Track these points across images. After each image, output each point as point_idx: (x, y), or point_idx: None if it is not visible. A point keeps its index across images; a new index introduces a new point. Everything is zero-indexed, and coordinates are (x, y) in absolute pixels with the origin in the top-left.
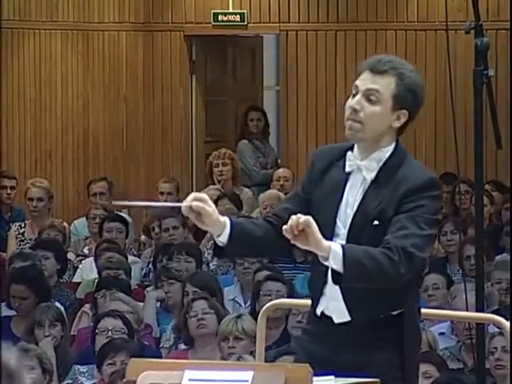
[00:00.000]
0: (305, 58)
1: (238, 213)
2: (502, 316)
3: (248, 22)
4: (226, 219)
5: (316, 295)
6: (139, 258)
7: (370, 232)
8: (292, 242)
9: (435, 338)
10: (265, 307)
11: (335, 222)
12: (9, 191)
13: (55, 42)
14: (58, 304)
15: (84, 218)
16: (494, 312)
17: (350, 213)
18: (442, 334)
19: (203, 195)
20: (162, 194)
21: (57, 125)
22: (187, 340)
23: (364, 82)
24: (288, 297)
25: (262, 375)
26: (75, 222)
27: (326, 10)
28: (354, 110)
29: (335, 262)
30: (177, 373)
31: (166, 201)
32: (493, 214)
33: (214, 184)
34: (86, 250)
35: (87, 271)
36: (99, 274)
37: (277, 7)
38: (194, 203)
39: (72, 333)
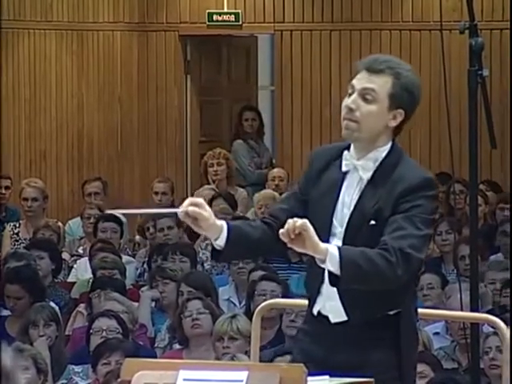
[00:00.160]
0: (299, 57)
1: (233, 213)
2: (496, 316)
3: (243, 22)
4: (222, 223)
5: (313, 295)
6: (134, 257)
7: (367, 232)
8: (289, 245)
9: (430, 338)
10: (259, 307)
11: (332, 222)
12: (3, 191)
13: (50, 42)
14: (52, 304)
15: (79, 218)
16: (488, 312)
17: (347, 212)
18: (436, 333)
19: (199, 200)
20: (156, 193)
21: (51, 125)
22: (182, 340)
23: (360, 81)
24: (283, 297)
25: (257, 375)
26: (70, 221)
27: (320, 9)
28: (350, 110)
29: (332, 265)
30: (171, 373)
31: (160, 201)
32: (487, 213)
33: (208, 184)
34: (80, 250)
35: (82, 271)
36: (94, 273)
37: (271, 7)
38: (190, 208)
39: (67, 333)
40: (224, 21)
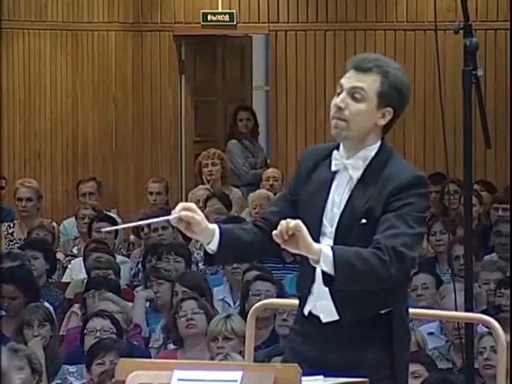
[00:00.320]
0: (294, 57)
1: (228, 213)
2: (491, 316)
3: (237, 22)
4: (214, 226)
5: (304, 294)
6: (128, 257)
7: (358, 231)
8: (282, 246)
9: (424, 338)
10: (254, 307)
11: (322, 222)
12: None
13: (44, 42)
14: (47, 304)
15: (73, 218)
16: (482, 312)
17: (337, 212)
18: (431, 333)
19: (191, 204)
20: (151, 193)
21: (46, 125)
22: (176, 340)
23: (349, 80)
24: (277, 297)
25: (251, 375)
26: (64, 222)
27: (315, 9)
28: (339, 108)
29: (326, 265)
30: (166, 373)
31: (155, 201)
32: (481, 213)
33: (203, 184)
34: (75, 250)
35: (76, 271)
36: (88, 274)
37: (266, 7)
38: (183, 213)
39: (61, 333)
40: (218, 21)
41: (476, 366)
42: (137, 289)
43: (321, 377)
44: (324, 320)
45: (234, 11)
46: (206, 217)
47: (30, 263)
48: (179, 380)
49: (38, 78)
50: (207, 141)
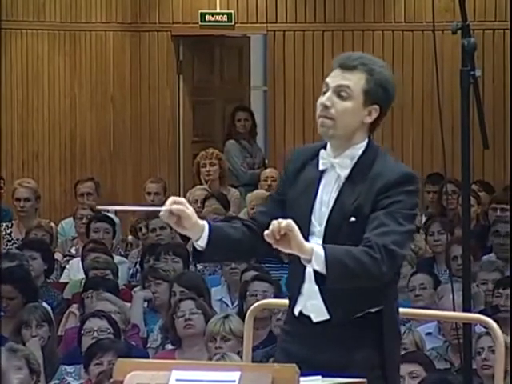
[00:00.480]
0: (292, 58)
1: (226, 213)
2: (489, 316)
3: (235, 22)
4: (204, 223)
5: (294, 295)
6: (126, 258)
7: (347, 229)
8: (274, 246)
9: (422, 338)
10: (252, 307)
11: (310, 221)
12: None
13: (42, 43)
14: (45, 304)
15: (71, 219)
16: (480, 312)
17: (326, 210)
18: (429, 334)
19: (181, 199)
20: (149, 194)
21: (44, 125)
22: (174, 340)
23: (334, 78)
24: (275, 297)
25: (249, 375)
26: (62, 222)
27: (313, 10)
28: (325, 107)
29: (318, 264)
30: (164, 373)
31: (153, 201)
32: (480, 214)
33: (201, 184)
34: (73, 251)
35: (74, 271)
36: (86, 274)
37: (264, 7)
38: (174, 206)
39: (59, 333)
40: (217, 21)
41: (474, 366)
42: (135, 289)
43: (319, 377)
44: (315, 320)
45: (232, 11)
46: (204, 217)
47: (28, 263)
48: (177, 380)
49: (35, 79)
50: (205, 141)
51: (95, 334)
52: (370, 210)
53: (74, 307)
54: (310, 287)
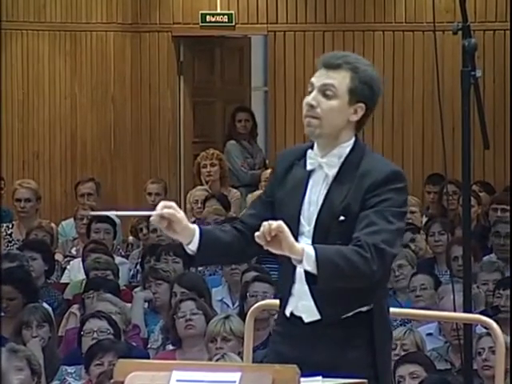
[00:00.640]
0: (293, 58)
1: (226, 214)
2: (489, 317)
3: (236, 23)
4: (195, 227)
5: (285, 296)
6: (127, 258)
7: (336, 228)
8: (265, 247)
9: (423, 339)
10: (252, 308)
11: (299, 221)
12: None
13: (43, 43)
14: (45, 305)
15: (72, 219)
16: (480, 313)
17: (314, 210)
18: (429, 334)
19: (171, 203)
20: (149, 194)
21: (44, 125)
22: (175, 341)
23: (319, 78)
24: (275, 298)
25: (250, 376)
26: (63, 222)
27: (313, 10)
28: (311, 106)
29: (309, 264)
30: (164, 373)
31: (153, 201)
32: (480, 214)
33: (201, 185)
34: (73, 251)
35: (75, 272)
36: (87, 274)
37: (264, 8)
38: (165, 210)
39: (60, 334)
40: (217, 22)
41: (474, 366)
42: (135, 289)
43: (319, 377)
44: (306, 320)
45: (233, 12)
46: (205, 218)
47: (29, 264)
48: (178, 381)
49: (36, 79)
50: (206, 141)
51: (95, 335)
52: (358, 208)
53: (74, 308)
54: (300, 288)
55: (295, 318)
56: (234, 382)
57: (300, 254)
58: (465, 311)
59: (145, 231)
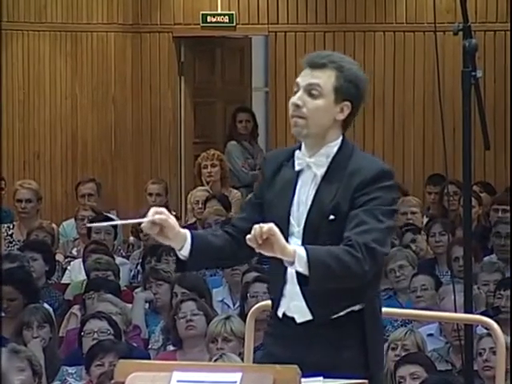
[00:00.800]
0: (293, 59)
1: (227, 214)
2: (490, 317)
3: (237, 24)
4: (186, 232)
5: (276, 297)
6: (128, 259)
7: (326, 227)
8: (257, 250)
9: (423, 340)
10: (253, 309)
11: (289, 221)
12: None
13: (43, 43)
14: (46, 305)
15: (72, 220)
16: (481, 313)
17: (304, 210)
18: (430, 335)
19: (162, 209)
20: (150, 195)
21: (45, 126)
22: (176, 341)
23: (304, 78)
24: None
25: (251, 376)
26: (64, 223)
27: (314, 11)
28: (297, 106)
29: (300, 266)
30: (165, 374)
31: (154, 202)
32: (481, 215)
33: (202, 185)
34: (74, 252)
35: (76, 273)
36: (87, 275)
37: (265, 8)
38: (157, 216)
39: (60, 334)
40: (218, 22)
41: (475, 367)
42: (136, 290)
43: (320, 378)
44: (298, 320)
45: (234, 12)
46: (206, 218)
47: (29, 264)
48: (178, 381)
49: (37, 79)
50: (206, 142)
51: (95, 336)
52: (348, 207)
53: (75, 308)
54: (291, 288)
55: (288, 319)
56: (235, 382)
57: (292, 255)
58: (465, 312)
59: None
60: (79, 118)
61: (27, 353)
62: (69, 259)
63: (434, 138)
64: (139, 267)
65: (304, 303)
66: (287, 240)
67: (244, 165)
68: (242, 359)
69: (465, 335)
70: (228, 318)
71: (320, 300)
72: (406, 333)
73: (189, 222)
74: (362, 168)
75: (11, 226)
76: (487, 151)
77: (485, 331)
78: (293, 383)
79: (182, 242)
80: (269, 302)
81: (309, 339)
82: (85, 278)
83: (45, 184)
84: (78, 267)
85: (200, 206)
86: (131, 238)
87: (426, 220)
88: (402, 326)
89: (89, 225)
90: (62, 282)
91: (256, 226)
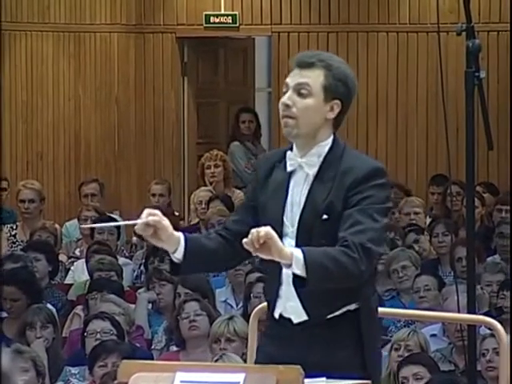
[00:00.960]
0: None
1: (230, 214)
2: (493, 318)
3: (240, 24)
4: (180, 234)
5: (272, 298)
6: (131, 259)
7: (320, 227)
8: (254, 254)
9: (427, 340)
10: (256, 309)
11: (283, 222)
12: (0, 193)
13: (47, 44)
14: (49, 306)
15: (75, 220)
16: (484, 314)
17: (297, 211)
18: (433, 335)
19: (156, 211)
20: (153, 195)
21: (48, 126)
22: (179, 342)
23: (293, 77)
24: None
25: (254, 377)
26: (67, 223)
27: (317, 11)
28: (287, 106)
29: (298, 268)
30: (168, 374)
31: (157, 202)
32: (484, 215)
33: (205, 185)
34: (77, 252)
35: (79, 273)
36: (91, 275)
37: (268, 9)
38: (151, 218)
39: (63, 334)
40: (221, 22)
41: (478, 367)
42: (139, 290)
43: (323, 378)
44: (295, 321)
45: (237, 13)
46: (209, 218)
47: (33, 265)
48: (181, 382)
49: (40, 80)
50: (210, 142)
51: (98, 336)
52: (341, 206)
53: (78, 309)
54: (287, 289)
55: (284, 320)
56: (238, 382)
57: (289, 258)
58: (469, 312)
59: None
60: (82, 119)
61: (31, 353)
62: (72, 259)
63: (437, 139)
64: (142, 267)
65: (300, 303)
66: (281, 241)
67: (247, 165)
68: (245, 360)
69: (468, 336)
70: (231, 318)
71: (315, 300)
72: (409, 333)
73: (192, 223)
74: (354, 167)
75: (14, 227)
76: (490, 152)
77: (488, 332)
78: (296, 383)
79: (176, 245)
80: None
81: (306, 339)
82: (88, 278)
83: (48, 184)
84: (81, 267)
85: (203, 206)
86: (134, 239)
87: (429, 220)
88: (405, 326)
89: (83, 226)
90: (65, 282)
91: (253, 231)
